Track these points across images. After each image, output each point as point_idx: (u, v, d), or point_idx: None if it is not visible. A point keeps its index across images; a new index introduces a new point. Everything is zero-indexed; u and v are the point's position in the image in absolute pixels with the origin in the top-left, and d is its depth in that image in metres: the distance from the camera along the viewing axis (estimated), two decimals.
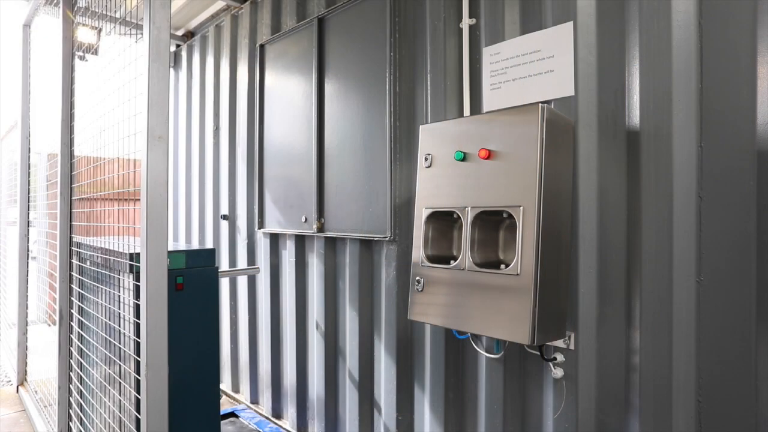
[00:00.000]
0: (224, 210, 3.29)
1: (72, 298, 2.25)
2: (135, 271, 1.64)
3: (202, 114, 3.64)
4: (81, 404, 2.18)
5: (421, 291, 1.65)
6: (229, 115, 3.27)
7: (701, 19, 1.33)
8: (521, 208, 1.40)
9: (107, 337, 1.82)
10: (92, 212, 2.02)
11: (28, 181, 3.20)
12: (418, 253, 1.68)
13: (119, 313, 1.73)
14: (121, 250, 1.73)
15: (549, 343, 1.58)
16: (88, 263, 2.11)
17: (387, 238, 2.10)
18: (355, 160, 2.25)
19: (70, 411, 2.28)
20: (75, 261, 2.25)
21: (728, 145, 1.28)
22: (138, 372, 1.40)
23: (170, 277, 1.46)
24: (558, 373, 1.56)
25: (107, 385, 1.84)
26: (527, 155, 1.40)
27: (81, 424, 2.15)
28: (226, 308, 3.27)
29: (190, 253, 1.92)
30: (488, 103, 1.80)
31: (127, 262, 1.66)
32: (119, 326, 1.71)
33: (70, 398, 2.27)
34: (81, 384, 2.16)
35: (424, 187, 1.70)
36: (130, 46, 1.60)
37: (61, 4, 2.28)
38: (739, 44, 1.26)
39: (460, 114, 1.90)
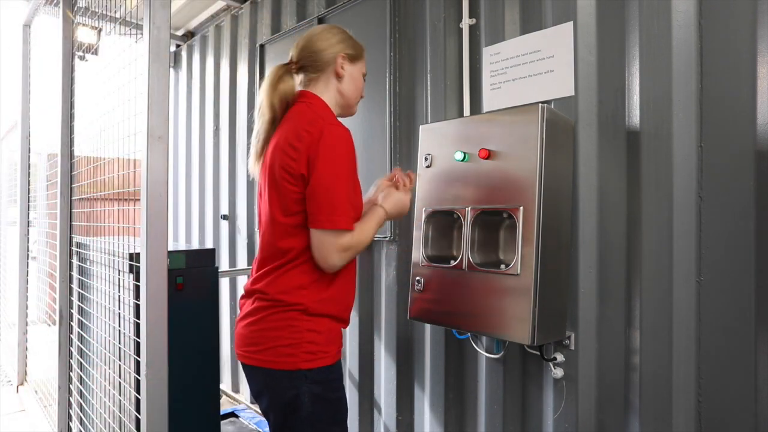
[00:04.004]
0: (224, 210, 3.29)
1: (72, 298, 2.25)
2: (135, 271, 1.64)
3: (202, 114, 3.64)
4: (81, 404, 2.18)
5: (421, 291, 1.65)
6: (229, 115, 3.27)
7: (701, 19, 1.33)
8: (521, 208, 1.40)
9: (107, 336, 1.82)
10: (92, 212, 2.02)
11: (28, 181, 3.20)
12: (418, 253, 1.68)
13: (119, 313, 1.73)
14: (121, 250, 1.73)
15: (549, 343, 1.58)
16: (88, 263, 2.11)
17: (387, 238, 2.10)
18: None
19: (70, 411, 2.28)
20: (75, 261, 2.25)
21: (728, 145, 1.28)
22: (138, 372, 1.40)
23: (170, 277, 1.46)
24: (558, 373, 1.56)
25: (107, 385, 1.84)
26: (527, 155, 1.40)
27: (81, 424, 2.15)
28: (226, 308, 3.26)
29: (190, 253, 1.92)
30: (488, 103, 1.80)
31: (127, 261, 1.66)
32: (119, 326, 1.71)
33: (70, 398, 2.27)
34: (81, 384, 2.16)
35: (424, 187, 1.70)
36: (130, 46, 1.60)
37: (61, 4, 2.27)
38: (739, 44, 1.26)
39: (460, 114, 1.90)
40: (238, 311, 1.36)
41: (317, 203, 1.15)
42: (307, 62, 1.31)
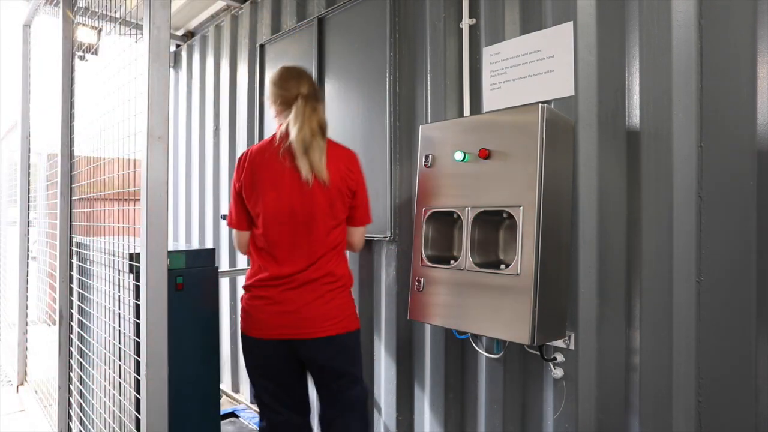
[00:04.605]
0: (224, 210, 3.29)
1: (72, 298, 2.25)
2: (135, 271, 1.64)
3: (202, 114, 3.64)
4: (81, 404, 2.18)
5: (421, 291, 1.65)
6: (229, 115, 3.27)
7: (701, 19, 1.33)
8: (521, 208, 1.40)
9: (107, 336, 1.82)
10: (92, 212, 2.02)
11: (28, 181, 3.20)
12: (418, 253, 1.68)
13: (119, 313, 1.73)
14: (121, 250, 1.73)
15: (549, 343, 1.58)
16: (88, 263, 2.11)
17: (387, 238, 2.10)
18: None
19: (70, 411, 2.28)
20: (75, 261, 2.25)
21: (728, 145, 1.28)
22: (138, 372, 1.40)
23: (170, 277, 1.46)
24: (558, 373, 1.56)
25: (107, 385, 1.84)
26: (527, 155, 1.40)
27: (81, 424, 2.15)
28: (226, 308, 3.27)
29: (190, 253, 1.92)
30: (488, 103, 1.80)
31: (127, 261, 1.66)
32: (119, 326, 1.71)
33: (70, 398, 2.27)
34: (81, 384, 2.16)
35: (424, 187, 1.70)
36: (130, 46, 1.60)
37: (61, 4, 2.27)
38: (739, 44, 1.26)
39: (460, 114, 1.90)
40: (264, 299, 1.59)
41: (365, 208, 1.72)
42: (315, 97, 1.63)
